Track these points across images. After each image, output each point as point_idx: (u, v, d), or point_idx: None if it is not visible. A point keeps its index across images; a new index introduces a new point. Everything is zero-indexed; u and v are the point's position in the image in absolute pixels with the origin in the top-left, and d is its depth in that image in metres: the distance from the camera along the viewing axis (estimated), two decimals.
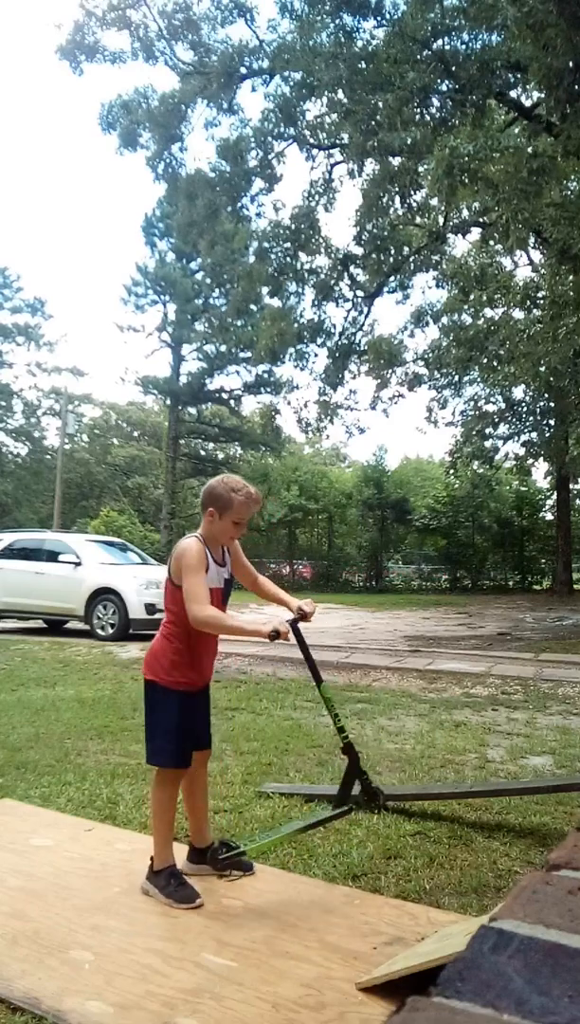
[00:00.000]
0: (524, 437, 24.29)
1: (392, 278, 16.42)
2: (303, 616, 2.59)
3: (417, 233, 16.28)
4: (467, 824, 3.23)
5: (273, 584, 2.76)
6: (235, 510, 2.46)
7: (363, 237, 14.90)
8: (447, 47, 10.21)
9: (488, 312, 18.83)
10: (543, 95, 9.56)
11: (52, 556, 11.23)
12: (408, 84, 9.77)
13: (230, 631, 2.37)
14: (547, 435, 22.60)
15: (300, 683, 6.72)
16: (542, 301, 16.42)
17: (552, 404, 21.52)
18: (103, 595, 10.50)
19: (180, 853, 2.64)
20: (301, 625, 2.63)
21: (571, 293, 13.22)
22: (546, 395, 20.45)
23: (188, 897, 2.39)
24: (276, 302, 15.58)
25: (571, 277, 12.90)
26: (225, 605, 2.60)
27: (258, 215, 14.69)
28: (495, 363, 18.75)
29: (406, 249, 15.94)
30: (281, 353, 15.91)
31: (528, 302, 17.74)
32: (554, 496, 26.86)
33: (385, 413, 31.12)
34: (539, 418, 23.31)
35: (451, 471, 26.64)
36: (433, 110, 10.35)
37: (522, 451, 24.70)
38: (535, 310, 17.45)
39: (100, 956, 2.08)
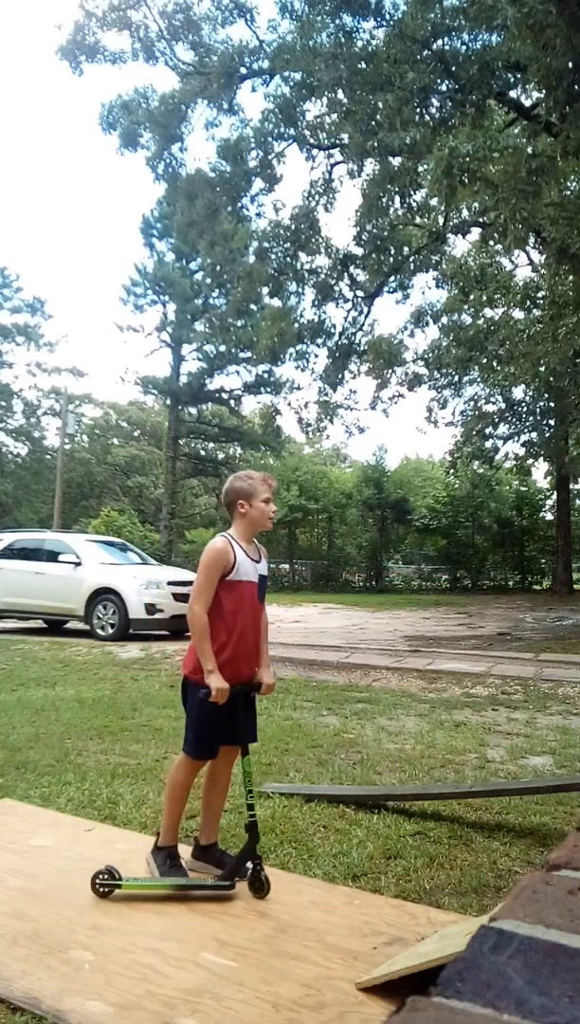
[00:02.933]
0: (524, 437, 24.31)
1: (392, 278, 16.41)
2: (258, 686, 2.64)
3: (417, 233, 16.27)
4: (467, 824, 3.23)
5: (266, 638, 2.76)
6: (259, 491, 2.65)
7: (363, 237, 14.89)
8: (447, 47, 10.21)
9: (488, 312, 18.84)
10: (543, 95, 9.56)
11: (52, 556, 11.23)
12: (408, 84, 9.77)
13: (200, 645, 2.52)
14: (547, 435, 22.60)
15: (300, 683, 6.72)
16: (542, 301, 16.43)
17: (552, 404, 21.52)
18: (103, 595, 10.50)
19: (181, 852, 2.64)
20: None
21: (571, 293, 13.23)
22: (546, 395, 20.46)
23: (173, 875, 2.53)
24: (276, 302, 15.58)
25: (571, 277, 12.90)
26: (263, 603, 2.70)
27: (258, 215, 14.68)
28: (495, 363, 18.76)
29: (406, 249, 15.93)
30: (281, 353, 15.91)
31: (528, 302, 17.75)
32: (554, 496, 26.86)
33: (385, 413, 31.07)
34: (539, 418, 23.31)
35: (451, 471, 26.65)
36: (433, 110, 10.34)
37: (522, 451, 24.73)
38: (535, 310, 17.46)
39: (100, 956, 2.08)
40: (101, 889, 2.45)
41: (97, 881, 2.46)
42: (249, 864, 2.46)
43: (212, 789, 2.75)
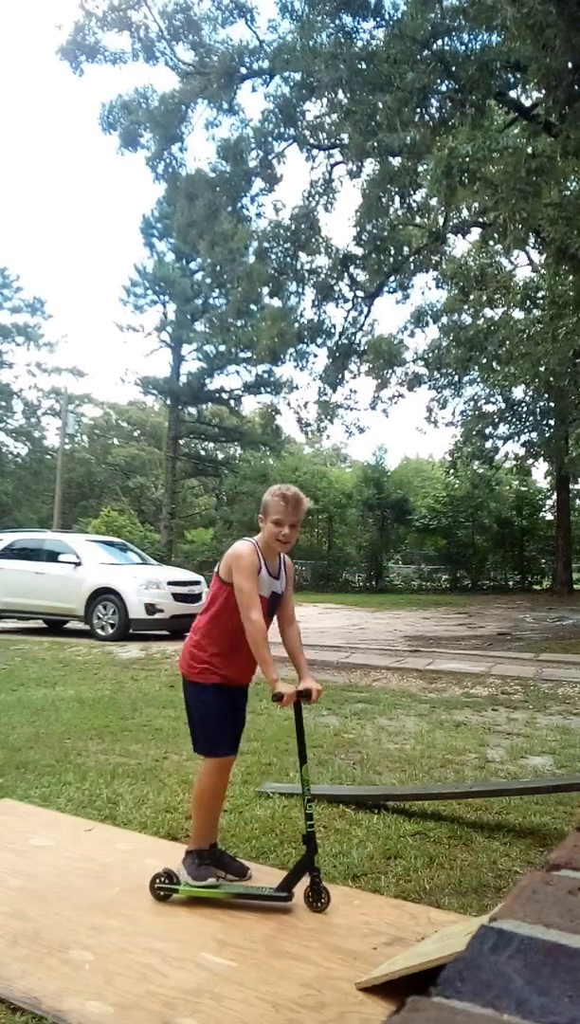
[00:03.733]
0: (524, 437, 24.32)
1: (392, 278, 16.41)
2: (307, 694, 2.50)
3: (417, 233, 16.28)
4: (467, 824, 3.23)
5: (300, 644, 2.69)
6: (271, 510, 2.53)
7: (363, 237, 14.89)
8: (447, 47, 10.21)
9: (488, 312, 18.85)
10: (542, 95, 9.56)
11: (52, 556, 11.23)
12: (408, 84, 9.77)
13: (258, 656, 2.42)
14: (547, 435, 22.60)
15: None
16: (542, 301, 16.43)
17: (552, 404, 21.52)
18: (103, 595, 10.50)
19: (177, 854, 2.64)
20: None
21: (571, 293, 13.23)
22: (546, 395, 20.45)
23: (201, 876, 2.47)
24: (276, 302, 15.58)
25: (571, 277, 12.90)
26: (270, 620, 2.60)
27: (258, 215, 14.70)
28: (495, 363, 18.75)
29: (406, 249, 15.94)
30: (281, 353, 15.91)
31: (528, 302, 17.75)
32: (554, 496, 26.86)
33: (385, 413, 31.12)
34: (539, 418, 23.31)
35: (451, 471, 26.65)
36: (433, 110, 10.34)
37: (522, 451, 24.73)
38: (535, 310, 17.46)
39: (100, 956, 2.08)
40: (160, 892, 2.45)
41: (157, 884, 2.45)
42: (307, 875, 2.40)
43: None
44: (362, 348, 16.84)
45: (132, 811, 3.31)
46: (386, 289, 16.78)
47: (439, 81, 10.10)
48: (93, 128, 37.24)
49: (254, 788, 3.62)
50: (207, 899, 2.45)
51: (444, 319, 19.98)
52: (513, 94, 11.79)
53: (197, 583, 11.30)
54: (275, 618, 2.65)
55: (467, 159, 9.57)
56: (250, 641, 2.42)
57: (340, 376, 16.75)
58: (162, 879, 2.46)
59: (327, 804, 3.40)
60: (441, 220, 15.23)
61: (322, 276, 15.42)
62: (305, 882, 2.40)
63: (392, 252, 15.56)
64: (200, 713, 2.56)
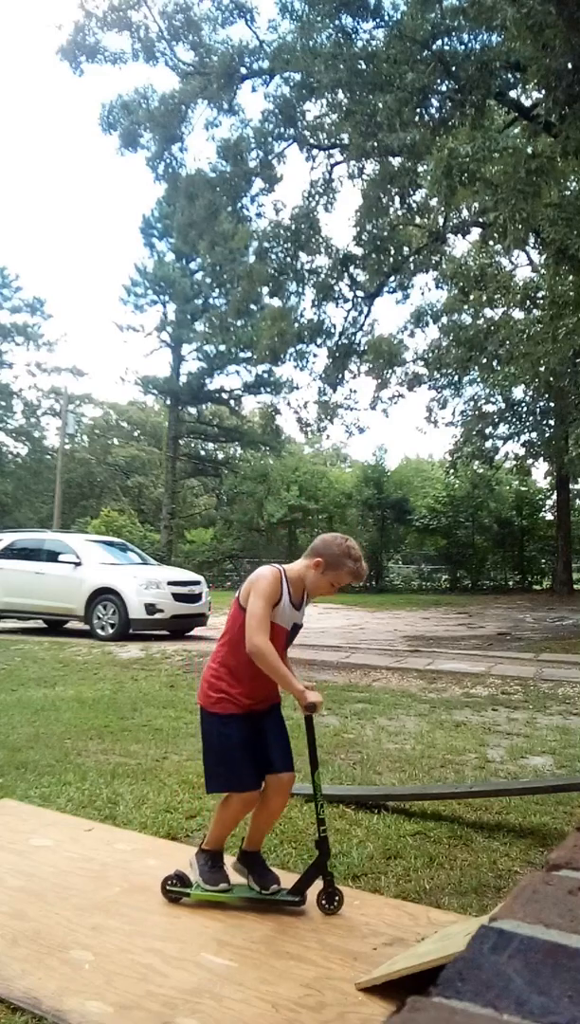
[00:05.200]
0: (524, 437, 24.31)
1: (392, 278, 16.41)
2: (314, 706, 2.46)
3: (417, 233, 16.27)
4: (467, 824, 3.23)
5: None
6: (340, 575, 2.50)
7: (363, 237, 14.89)
8: (447, 47, 10.21)
9: (488, 312, 18.84)
10: (542, 95, 9.56)
11: (52, 556, 11.23)
12: (408, 84, 9.77)
13: (275, 674, 2.36)
14: (547, 435, 22.60)
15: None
16: (542, 301, 16.43)
17: (552, 404, 21.52)
18: (103, 595, 10.50)
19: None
20: None
21: (571, 293, 13.23)
22: (546, 395, 20.45)
23: (214, 880, 2.44)
24: (276, 302, 15.58)
25: (570, 277, 12.91)
26: (286, 650, 2.55)
27: (258, 215, 14.70)
28: (495, 363, 18.76)
29: (406, 249, 15.93)
30: (281, 353, 15.91)
31: (528, 302, 17.74)
32: (554, 496, 26.86)
33: (385, 413, 31.17)
34: (539, 418, 23.31)
35: (451, 471, 26.65)
36: (433, 111, 10.34)
37: (522, 451, 24.73)
38: (535, 310, 17.46)
39: (100, 956, 2.08)
40: (171, 895, 2.44)
41: (168, 886, 2.44)
42: (320, 879, 2.38)
43: (262, 812, 2.56)
44: (362, 348, 16.84)
45: (132, 811, 3.31)
46: (386, 289, 16.78)
47: (439, 81, 10.10)
48: (93, 128, 37.23)
49: None
50: (209, 900, 2.45)
51: (444, 319, 19.97)
52: (513, 94, 11.79)
53: (197, 583, 11.30)
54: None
55: (467, 159, 9.58)
56: (262, 665, 2.35)
57: (340, 376, 16.76)
58: (173, 881, 2.44)
59: (327, 804, 3.39)
60: (441, 220, 15.22)
61: (322, 276, 15.42)
62: (318, 885, 2.40)
63: (392, 252, 15.56)
64: (219, 745, 2.46)
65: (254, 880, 2.51)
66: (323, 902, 2.38)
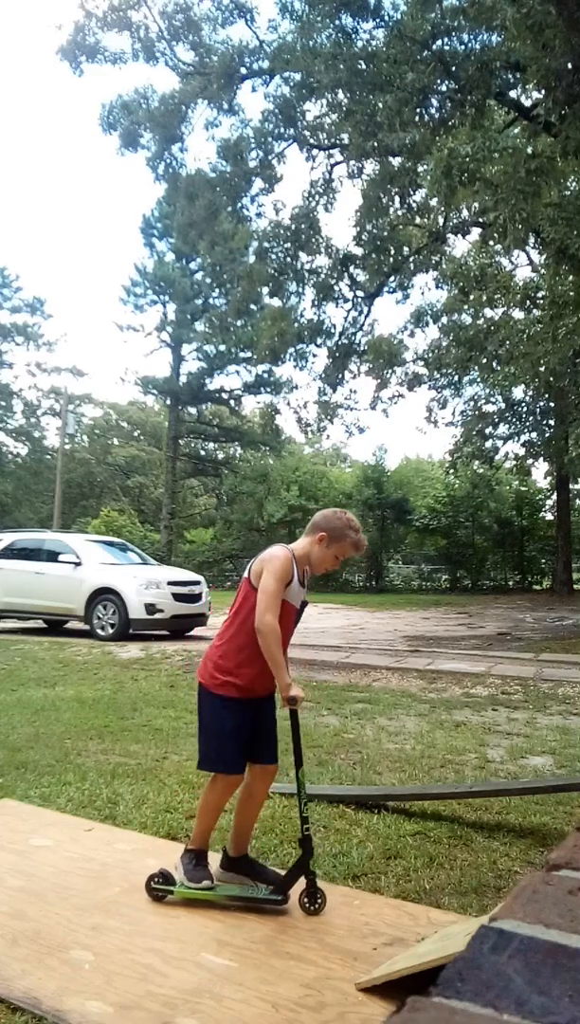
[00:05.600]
0: (524, 437, 24.31)
1: (392, 278, 16.42)
2: (294, 700, 2.51)
3: (417, 233, 16.28)
4: (467, 824, 3.23)
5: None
6: (343, 545, 2.54)
7: (363, 237, 14.89)
8: (447, 47, 10.21)
9: (488, 312, 18.84)
10: (542, 95, 9.56)
11: (52, 556, 11.23)
12: (408, 84, 9.77)
13: (271, 659, 2.38)
14: (547, 435, 22.60)
15: (299, 683, 6.70)
16: (542, 301, 16.43)
17: (552, 404, 21.52)
18: (103, 595, 10.50)
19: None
20: None
21: (571, 293, 13.23)
22: (546, 395, 20.45)
23: (197, 878, 2.44)
24: (276, 302, 15.58)
25: (570, 277, 12.91)
26: (294, 627, 2.61)
27: (258, 215, 14.70)
28: (495, 363, 18.76)
29: (406, 249, 15.94)
30: (281, 353, 15.91)
31: (528, 302, 17.75)
32: (554, 496, 26.86)
33: (385, 413, 31.19)
34: (539, 418, 23.31)
35: (451, 471, 26.65)
36: (433, 110, 10.34)
37: (522, 451, 24.73)
38: (535, 310, 17.46)
39: (100, 956, 2.08)
40: (156, 893, 2.44)
41: (153, 884, 2.45)
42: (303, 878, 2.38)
43: (246, 806, 2.61)
44: (362, 348, 16.85)
45: (132, 811, 3.31)
46: (386, 289, 16.78)
47: (439, 81, 10.10)
48: (93, 128, 37.23)
49: None
50: (207, 900, 2.45)
51: (444, 319, 19.98)
52: (513, 94, 11.79)
53: (197, 583, 11.30)
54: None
55: (467, 159, 9.58)
56: (263, 644, 2.38)
57: (340, 376, 16.76)
58: (157, 879, 2.45)
59: (327, 804, 3.40)
60: (441, 220, 15.23)
61: (322, 276, 15.42)
62: (301, 885, 2.40)
63: (392, 252, 15.56)
64: (215, 728, 2.49)
65: (257, 882, 2.50)
66: (305, 901, 2.38)
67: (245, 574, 2.56)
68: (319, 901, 2.37)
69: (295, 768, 2.50)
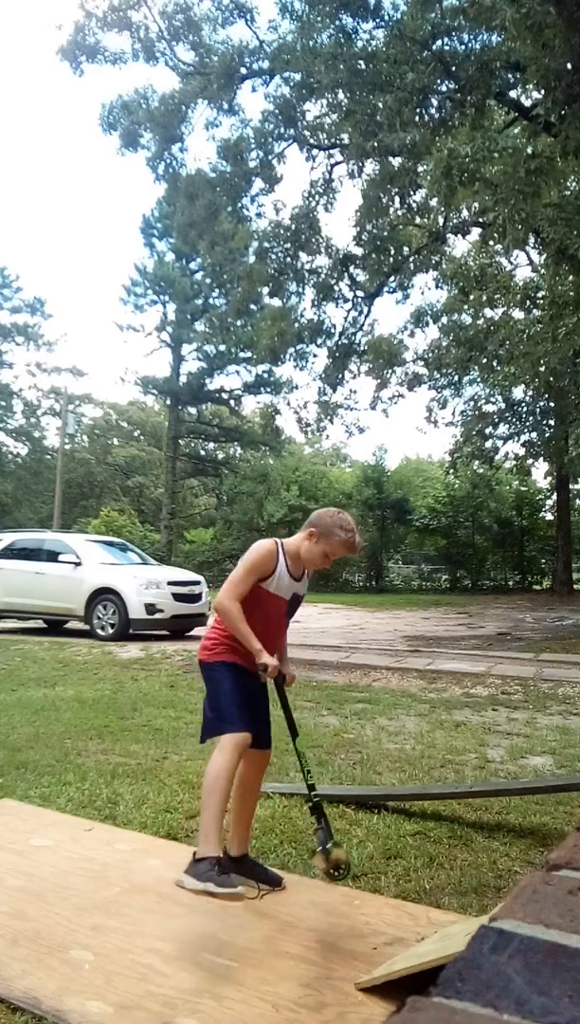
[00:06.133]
0: (524, 437, 24.31)
1: (392, 278, 16.41)
2: (284, 677, 2.57)
3: (417, 233, 16.28)
4: (467, 824, 3.23)
5: (285, 637, 2.77)
6: (332, 544, 2.51)
7: (363, 237, 14.89)
8: (447, 47, 10.21)
9: (488, 312, 18.84)
10: (542, 95, 9.56)
11: (52, 556, 11.23)
12: (408, 85, 9.77)
13: (237, 631, 2.41)
14: (547, 435, 22.60)
15: (299, 683, 6.71)
16: (542, 301, 16.43)
17: (552, 404, 21.52)
18: (103, 595, 10.50)
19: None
20: None
21: (571, 293, 13.22)
22: (546, 395, 20.45)
23: (228, 883, 2.11)
24: (276, 302, 15.58)
25: (570, 277, 12.90)
26: (287, 621, 2.62)
27: (258, 215, 14.70)
28: (495, 363, 18.75)
29: (406, 249, 15.94)
30: (281, 353, 15.91)
31: (528, 302, 17.74)
32: (554, 496, 26.86)
33: (385, 413, 31.16)
34: (539, 418, 23.31)
35: (451, 471, 26.65)
36: (433, 111, 10.34)
37: (522, 451, 24.73)
38: (535, 310, 17.46)
39: (100, 956, 2.08)
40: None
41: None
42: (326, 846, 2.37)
43: (245, 795, 2.58)
44: (362, 348, 16.84)
45: (132, 811, 3.31)
46: (386, 289, 16.78)
47: (439, 81, 10.10)
48: (93, 128, 37.22)
49: None
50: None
51: (444, 319, 19.98)
52: (513, 94, 11.79)
53: (197, 583, 11.30)
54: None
55: (467, 159, 9.57)
56: (226, 622, 2.45)
57: (340, 376, 16.76)
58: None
59: (327, 804, 3.39)
60: (441, 220, 15.23)
61: (322, 276, 15.42)
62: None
63: (392, 252, 15.56)
64: (211, 689, 2.49)
65: (258, 882, 2.49)
66: (333, 872, 2.37)
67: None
68: (343, 869, 2.38)
69: (292, 737, 2.54)
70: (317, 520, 2.54)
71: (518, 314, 18.52)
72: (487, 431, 24.02)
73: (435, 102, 10.32)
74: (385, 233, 14.90)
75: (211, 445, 39.00)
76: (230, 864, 2.45)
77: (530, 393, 21.48)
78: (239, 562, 2.52)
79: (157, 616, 10.34)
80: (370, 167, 13.38)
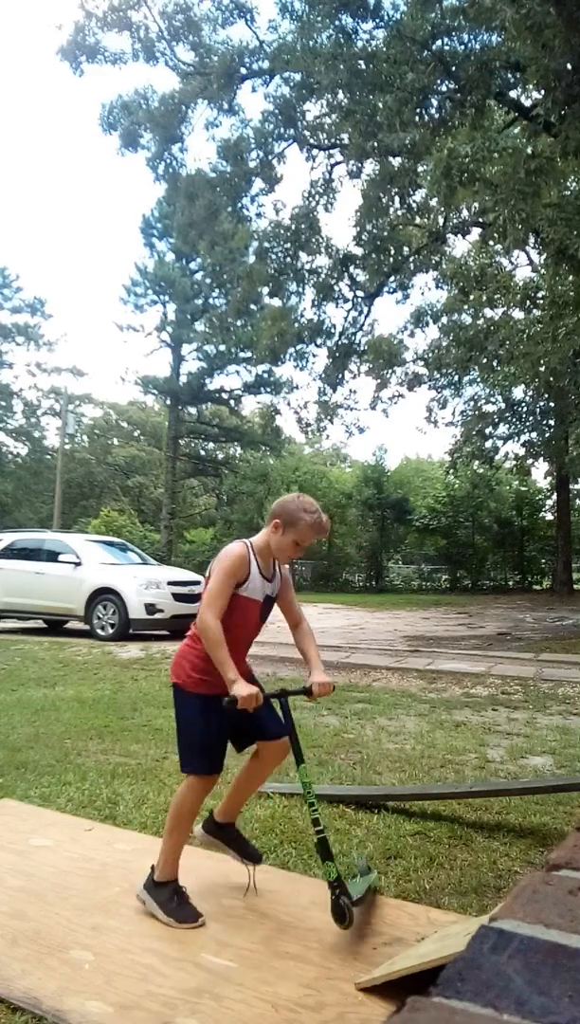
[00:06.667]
0: (524, 437, 24.31)
1: (392, 278, 16.42)
2: (308, 692, 2.39)
3: (417, 233, 16.28)
4: (467, 824, 3.23)
5: (313, 641, 2.56)
6: (299, 530, 2.37)
7: (363, 237, 14.89)
8: (447, 47, 10.21)
9: (488, 312, 18.84)
10: (542, 95, 9.56)
11: (52, 556, 11.23)
12: (408, 85, 9.77)
13: (215, 654, 2.28)
14: (547, 435, 22.60)
15: (298, 683, 6.71)
16: (542, 301, 16.43)
17: (552, 404, 21.52)
18: (103, 595, 10.50)
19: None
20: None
21: (571, 293, 13.22)
22: (546, 395, 20.45)
23: (190, 916, 2.29)
24: (276, 302, 15.59)
25: (570, 277, 12.90)
26: (262, 623, 2.51)
27: (258, 215, 14.71)
28: (495, 363, 18.75)
29: (406, 249, 15.94)
30: (281, 353, 15.91)
31: (528, 302, 17.74)
32: (554, 496, 26.86)
33: (385, 413, 31.22)
34: (539, 418, 23.31)
35: (451, 471, 26.65)
36: (432, 111, 10.34)
37: (522, 451, 24.73)
38: (535, 310, 17.46)
39: (100, 956, 2.08)
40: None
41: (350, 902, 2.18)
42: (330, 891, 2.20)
43: (253, 775, 2.55)
44: (362, 348, 16.85)
45: (132, 811, 3.31)
46: (386, 289, 16.78)
47: (439, 81, 10.10)
48: (93, 128, 37.24)
49: None
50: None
51: (444, 319, 19.98)
52: (513, 94, 11.79)
53: (197, 583, 11.28)
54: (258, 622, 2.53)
55: (467, 159, 9.57)
56: (205, 642, 2.30)
57: (340, 376, 16.76)
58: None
59: (327, 804, 3.39)
60: (441, 220, 15.23)
61: (322, 276, 15.42)
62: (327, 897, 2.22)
63: (392, 252, 15.56)
64: (182, 723, 2.43)
65: (238, 854, 2.49)
66: (334, 917, 2.21)
67: (207, 572, 2.49)
68: (347, 917, 2.16)
69: (297, 764, 2.36)
70: (279, 510, 2.42)
71: (518, 314, 18.52)
72: (487, 431, 24.02)
73: (435, 102, 10.32)
74: (385, 233, 14.90)
75: (211, 445, 39.01)
76: (213, 828, 2.56)
77: (530, 393, 21.47)
78: (213, 572, 2.35)
79: (157, 616, 10.34)
80: (370, 167, 13.41)
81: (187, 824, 2.42)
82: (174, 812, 2.41)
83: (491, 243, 15.69)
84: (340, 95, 11.66)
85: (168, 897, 2.32)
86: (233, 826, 2.59)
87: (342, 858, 2.80)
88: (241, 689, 2.19)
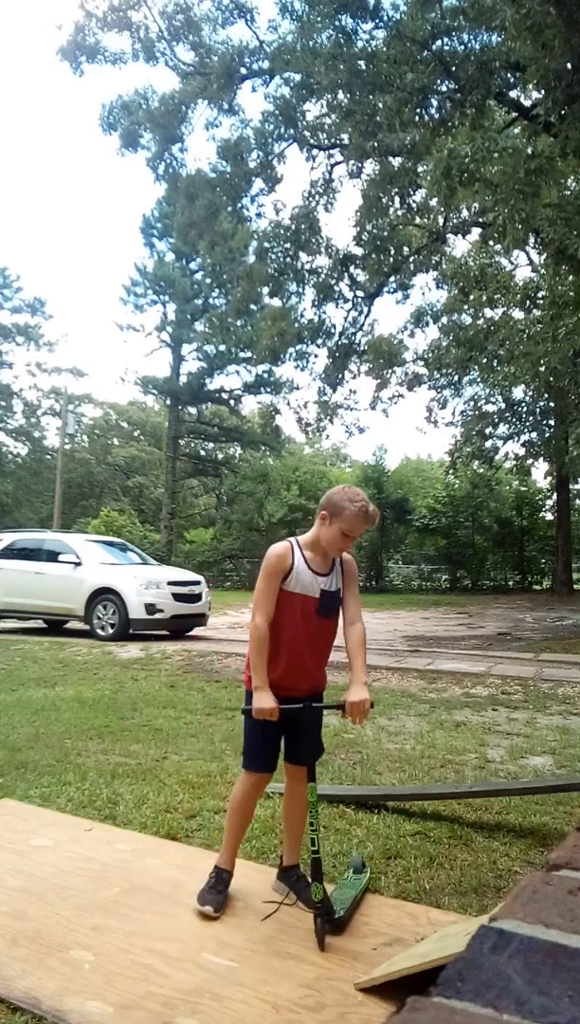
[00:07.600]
0: (524, 437, 24.32)
1: (392, 278, 16.42)
2: (342, 708, 2.32)
3: (417, 233, 16.29)
4: (467, 824, 3.23)
5: (362, 648, 2.50)
6: (345, 519, 2.36)
7: (363, 237, 14.90)
8: (446, 48, 10.21)
9: (488, 312, 18.85)
10: (542, 95, 9.56)
11: (52, 556, 11.23)
12: (408, 85, 9.77)
13: (252, 659, 2.32)
14: (547, 435, 22.60)
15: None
16: (542, 301, 16.42)
17: (552, 404, 21.53)
18: (103, 595, 10.50)
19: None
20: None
21: (571, 293, 13.22)
22: (546, 395, 20.45)
23: (209, 902, 2.35)
24: (276, 302, 15.59)
25: (570, 277, 12.91)
26: (327, 619, 2.47)
27: (258, 215, 14.71)
28: (495, 363, 18.76)
29: (406, 249, 15.95)
30: (281, 353, 15.92)
31: (528, 302, 17.74)
32: (554, 496, 26.86)
33: (385, 413, 31.26)
34: (539, 418, 23.32)
35: (451, 471, 26.66)
36: (432, 111, 10.34)
37: (522, 451, 24.74)
38: (535, 310, 17.46)
39: (100, 956, 2.08)
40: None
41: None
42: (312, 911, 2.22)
43: (287, 808, 2.56)
44: (362, 348, 16.86)
45: (132, 811, 3.31)
46: (386, 289, 16.79)
47: (439, 81, 10.10)
48: (93, 129, 37.25)
49: None
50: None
51: (444, 319, 19.99)
52: (513, 94, 11.79)
53: (197, 583, 11.30)
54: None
55: (466, 159, 9.57)
56: (250, 646, 2.34)
57: (340, 376, 16.77)
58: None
59: (327, 804, 3.39)
60: (441, 220, 15.24)
61: (322, 276, 15.42)
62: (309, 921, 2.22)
63: (392, 252, 15.56)
64: (244, 724, 2.45)
65: (300, 899, 2.41)
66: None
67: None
68: (322, 944, 2.14)
69: (307, 780, 2.33)
70: (326, 503, 2.42)
71: (518, 314, 18.53)
72: (487, 431, 24.03)
73: (435, 102, 10.33)
74: (385, 233, 14.91)
75: (211, 445, 38.99)
76: (281, 875, 2.53)
77: (530, 393, 21.48)
78: (259, 577, 2.40)
79: (157, 616, 10.34)
80: (370, 167, 13.42)
81: (239, 814, 2.49)
82: (230, 803, 2.54)
83: (491, 243, 15.68)
84: (340, 95, 11.66)
85: (210, 877, 2.43)
86: (296, 868, 2.53)
87: (343, 858, 2.80)
88: (258, 700, 2.25)
